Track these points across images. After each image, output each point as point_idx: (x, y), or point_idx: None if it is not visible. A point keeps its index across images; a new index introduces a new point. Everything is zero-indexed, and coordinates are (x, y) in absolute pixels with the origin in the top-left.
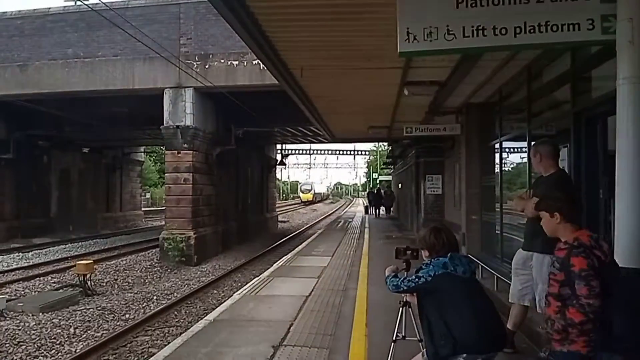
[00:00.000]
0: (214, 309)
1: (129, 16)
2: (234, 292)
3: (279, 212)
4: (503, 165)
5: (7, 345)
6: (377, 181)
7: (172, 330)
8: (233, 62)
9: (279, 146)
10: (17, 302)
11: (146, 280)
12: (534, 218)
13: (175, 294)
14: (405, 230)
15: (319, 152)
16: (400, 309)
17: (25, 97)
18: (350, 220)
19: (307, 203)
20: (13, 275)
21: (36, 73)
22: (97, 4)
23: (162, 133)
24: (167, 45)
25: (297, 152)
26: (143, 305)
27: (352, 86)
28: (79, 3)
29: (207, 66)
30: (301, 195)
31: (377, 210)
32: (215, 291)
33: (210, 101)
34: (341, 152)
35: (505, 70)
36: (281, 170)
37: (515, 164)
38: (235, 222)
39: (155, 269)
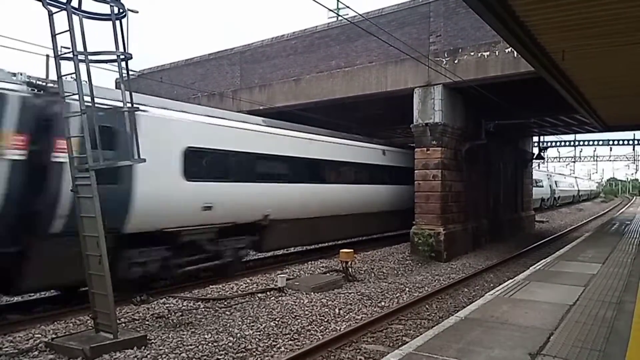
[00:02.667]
0: (464, 307)
1: (383, 23)
2: (485, 292)
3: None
4: None
5: (287, 317)
6: None
7: (424, 323)
8: (484, 54)
9: (535, 138)
10: (294, 282)
11: (399, 272)
12: None
13: (425, 288)
14: None
15: (585, 142)
16: None
17: (299, 107)
18: (628, 222)
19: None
20: (292, 258)
21: (307, 85)
22: (355, 16)
23: (412, 131)
24: (417, 45)
25: (558, 143)
26: (396, 295)
27: (626, 65)
28: (340, 18)
29: (456, 61)
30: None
31: None
32: (465, 289)
33: (459, 96)
34: (615, 143)
35: None
36: (539, 164)
37: None
38: (486, 220)
39: (407, 262)
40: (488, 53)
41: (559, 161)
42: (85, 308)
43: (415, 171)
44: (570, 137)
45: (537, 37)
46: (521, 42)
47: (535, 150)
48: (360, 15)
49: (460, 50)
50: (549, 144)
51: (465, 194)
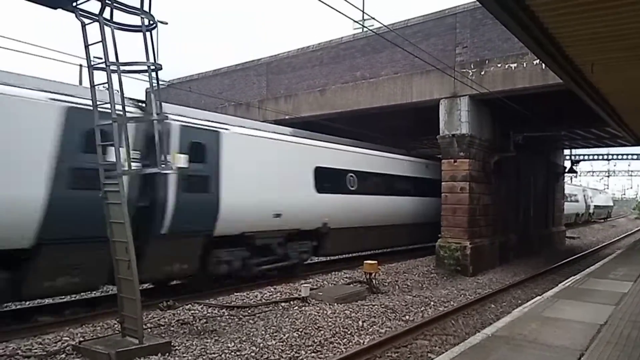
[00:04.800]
0: (491, 324)
1: (408, 34)
2: (513, 309)
3: (567, 227)
4: None
5: (310, 328)
6: None
7: (450, 339)
8: (511, 65)
9: (567, 152)
10: (318, 292)
11: (423, 285)
12: None
13: (451, 302)
14: None
15: (619, 157)
16: None
17: (324, 117)
18: None
19: None
20: (316, 268)
21: (332, 95)
22: (380, 27)
23: (438, 142)
24: (442, 57)
25: (591, 157)
26: (421, 309)
27: None
28: (365, 29)
29: (482, 72)
30: None
31: None
32: (492, 305)
33: (486, 108)
34: None
35: None
36: (571, 178)
37: None
38: (514, 234)
39: (432, 275)
40: (515, 65)
41: (592, 175)
42: (113, 312)
43: (442, 183)
44: (604, 150)
45: (565, 49)
46: (549, 54)
47: (567, 164)
48: (385, 26)
49: (487, 61)
50: (581, 157)
51: (494, 207)
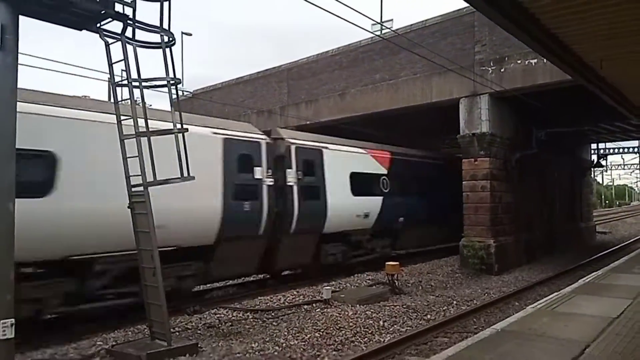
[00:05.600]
0: None
1: (426, 34)
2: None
3: (597, 221)
4: None
5: (331, 328)
6: None
7: (470, 337)
8: (531, 61)
9: (594, 145)
10: (340, 294)
11: (447, 285)
12: None
13: (474, 301)
14: None
15: None
16: None
17: (343, 120)
18: None
19: None
20: (338, 270)
21: (352, 99)
22: (399, 28)
23: (458, 141)
24: (461, 55)
25: (621, 150)
26: (443, 309)
27: None
28: (385, 31)
29: (502, 70)
30: None
31: None
32: (517, 303)
33: (507, 105)
34: None
35: None
36: (601, 173)
37: None
38: (540, 231)
39: (456, 275)
40: (535, 60)
41: (624, 169)
42: (143, 318)
43: (463, 182)
44: (635, 143)
45: (571, 47)
46: (555, 54)
47: (595, 158)
48: (396, 33)
49: (506, 58)
50: (609, 151)
51: (517, 205)
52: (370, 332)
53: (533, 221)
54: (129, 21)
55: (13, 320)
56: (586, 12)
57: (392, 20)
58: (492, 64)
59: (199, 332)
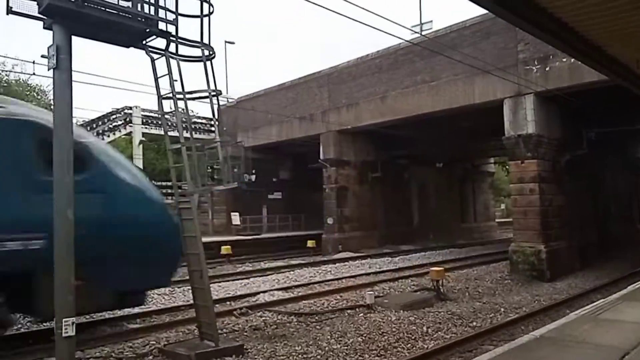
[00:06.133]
0: None
1: (467, 35)
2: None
3: None
4: None
5: (374, 333)
6: None
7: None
8: None
9: None
10: (384, 299)
11: (495, 292)
12: None
13: (523, 309)
14: None
15: None
16: None
17: (385, 124)
18: None
19: None
20: (383, 275)
21: (393, 102)
22: (438, 30)
23: (503, 143)
24: (504, 54)
25: None
26: (490, 316)
27: None
28: (424, 33)
29: (547, 68)
30: None
31: None
32: (568, 311)
33: (554, 105)
34: None
35: None
36: None
37: None
38: (594, 235)
39: (506, 281)
40: None
41: None
42: (194, 318)
43: (511, 185)
44: None
45: (604, 49)
46: (586, 54)
47: None
48: (431, 37)
49: (551, 56)
50: None
51: (569, 208)
52: (413, 338)
53: (586, 225)
54: (172, 37)
55: (74, 319)
56: (618, 14)
57: (431, 21)
58: (536, 63)
59: (245, 334)
